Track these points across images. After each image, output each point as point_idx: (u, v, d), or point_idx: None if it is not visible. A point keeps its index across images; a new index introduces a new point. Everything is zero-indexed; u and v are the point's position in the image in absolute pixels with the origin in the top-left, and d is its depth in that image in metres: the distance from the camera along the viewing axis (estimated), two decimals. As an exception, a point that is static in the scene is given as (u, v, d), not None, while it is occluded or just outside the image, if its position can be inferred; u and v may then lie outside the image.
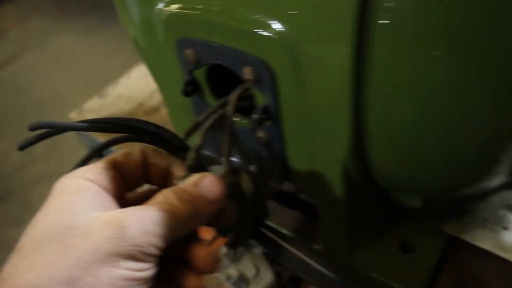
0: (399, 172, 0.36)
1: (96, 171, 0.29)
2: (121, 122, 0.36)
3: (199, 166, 0.33)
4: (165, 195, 0.28)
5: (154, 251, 0.26)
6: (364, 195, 0.43)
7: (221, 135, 0.37)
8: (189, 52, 0.36)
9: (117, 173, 0.31)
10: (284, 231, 0.50)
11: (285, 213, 0.55)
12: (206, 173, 0.30)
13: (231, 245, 0.40)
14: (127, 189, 0.32)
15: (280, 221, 0.53)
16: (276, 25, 0.30)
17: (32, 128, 0.35)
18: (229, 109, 0.37)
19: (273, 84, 0.33)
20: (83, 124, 0.37)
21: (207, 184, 0.30)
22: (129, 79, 0.83)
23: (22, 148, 0.35)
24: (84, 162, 0.34)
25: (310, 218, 0.55)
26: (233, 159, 0.44)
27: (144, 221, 0.26)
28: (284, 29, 0.30)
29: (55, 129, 0.36)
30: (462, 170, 0.36)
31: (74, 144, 1.96)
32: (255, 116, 0.35)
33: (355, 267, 0.46)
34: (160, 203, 0.28)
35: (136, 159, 0.32)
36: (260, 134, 0.38)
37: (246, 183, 0.37)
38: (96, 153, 0.34)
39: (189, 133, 0.39)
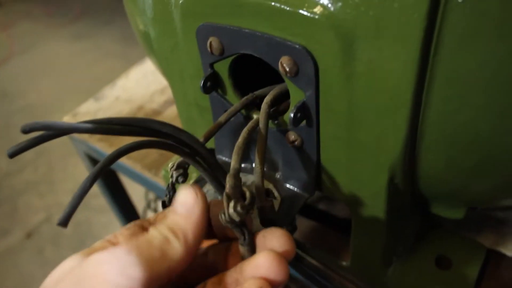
0: (451, 179, 0.32)
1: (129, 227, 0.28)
2: (132, 123, 0.31)
3: (239, 192, 0.28)
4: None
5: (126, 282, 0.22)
6: (402, 206, 0.38)
7: (239, 138, 0.32)
8: (212, 41, 0.32)
9: None
10: (307, 245, 0.45)
11: (303, 225, 0.51)
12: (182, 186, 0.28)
13: None
14: None
15: (300, 234, 0.49)
16: (325, 4, 0.26)
17: (26, 130, 0.30)
18: (262, 118, 0.32)
19: (316, 76, 0.28)
20: (87, 125, 0.31)
21: (179, 198, 0.27)
22: (127, 81, 0.78)
23: (12, 155, 0.29)
24: (96, 175, 0.29)
25: (331, 231, 0.50)
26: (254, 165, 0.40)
27: (108, 252, 0.24)
28: (334, 9, 0.25)
29: (54, 131, 0.30)
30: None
31: (63, 151, 1.90)
32: (290, 114, 0.30)
33: (386, 285, 0.42)
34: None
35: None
36: (292, 136, 0.33)
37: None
38: (108, 164, 0.29)
39: (209, 136, 0.34)
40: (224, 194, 0.27)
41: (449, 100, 0.26)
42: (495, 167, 0.29)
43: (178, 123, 0.38)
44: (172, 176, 0.35)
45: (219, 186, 0.33)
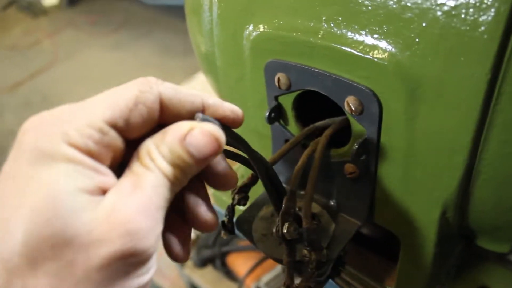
0: (500, 215, 0.33)
1: (85, 134, 0.23)
2: None
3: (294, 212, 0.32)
4: (158, 166, 0.24)
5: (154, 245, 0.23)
6: (448, 237, 0.39)
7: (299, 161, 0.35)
8: (280, 77, 0.34)
9: (116, 131, 0.24)
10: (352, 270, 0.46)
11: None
12: (195, 124, 0.25)
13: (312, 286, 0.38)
14: (133, 136, 0.26)
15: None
16: (394, 52, 0.28)
17: None
18: (319, 148, 0.35)
19: (379, 116, 0.31)
20: None
21: (194, 139, 0.24)
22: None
23: None
24: None
25: (370, 254, 0.52)
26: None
27: (149, 214, 0.22)
28: (402, 57, 0.28)
29: None
30: None
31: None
32: (353, 148, 0.32)
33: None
34: (155, 179, 0.23)
35: (151, 107, 0.25)
36: (350, 168, 0.35)
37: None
38: None
39: (273, 163, 0.36)
40: (280, 214, 0.32)
41: (505, 144, 0.28)
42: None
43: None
44: (234, 199, 0.37)
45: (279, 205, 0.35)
